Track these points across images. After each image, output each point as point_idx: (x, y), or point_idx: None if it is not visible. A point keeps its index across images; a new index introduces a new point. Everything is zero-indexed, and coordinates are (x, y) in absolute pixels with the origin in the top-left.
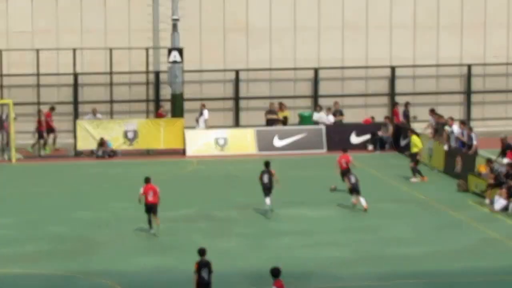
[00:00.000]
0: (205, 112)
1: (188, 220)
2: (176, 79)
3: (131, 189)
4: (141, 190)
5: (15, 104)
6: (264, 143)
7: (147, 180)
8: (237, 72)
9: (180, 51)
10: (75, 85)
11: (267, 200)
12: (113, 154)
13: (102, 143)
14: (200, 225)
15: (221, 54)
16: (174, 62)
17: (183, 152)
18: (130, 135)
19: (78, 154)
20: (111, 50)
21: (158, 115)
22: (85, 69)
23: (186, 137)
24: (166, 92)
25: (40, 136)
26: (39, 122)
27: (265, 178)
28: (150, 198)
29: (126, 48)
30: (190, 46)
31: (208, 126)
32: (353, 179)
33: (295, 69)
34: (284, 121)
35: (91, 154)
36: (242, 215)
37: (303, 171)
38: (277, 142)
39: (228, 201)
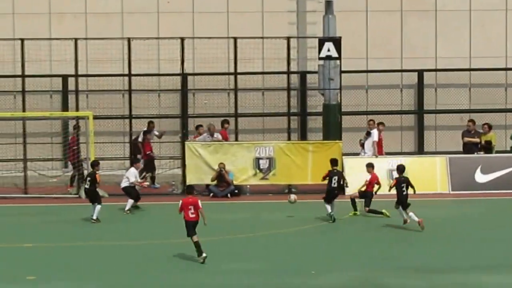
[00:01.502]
0: (374, 132)
1: None
2: (330, 83)
3: (285, 243)
4: (180, 204)
5: (98, 117)
6: (461, 178)
7: (189, 190)
8: (420, 73)
9: (337, 43)
10: (184, 91)
11: (328, 207)
12: (237, 192)
13: (220, 175)
14: None
15: (396, 47)
16: (328, 58)
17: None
18: (263, 164)
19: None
20: (235, 40)
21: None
22: (197, 68)
23: (345, 168)
24: (315, 101)
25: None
26: None
27: (334, 181)
28: (192, 214)
29: (257, 38)
30: (350, 36)
31: (378, 153)
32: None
33: (507, 69)
34: (488, 147)
35: (206, 191)
36: (426, 284)
37: None
38: (480, 177)
39: (405, 263)
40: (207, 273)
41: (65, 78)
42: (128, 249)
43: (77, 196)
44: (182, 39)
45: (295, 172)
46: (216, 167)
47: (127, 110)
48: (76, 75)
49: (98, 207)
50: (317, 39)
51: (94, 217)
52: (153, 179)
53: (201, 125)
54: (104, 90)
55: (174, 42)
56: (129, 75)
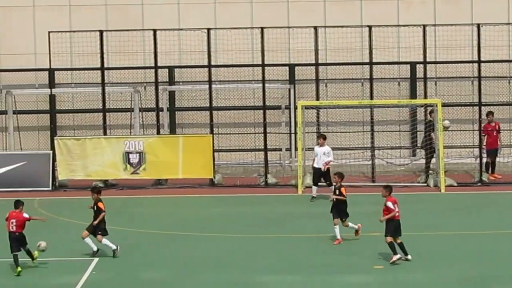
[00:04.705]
0: None
1: None
2: None
3: None
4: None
5: (447, 105)
6: None
7: (15, 205)
8: None
9: None
10: None
11: None
12: None
13: None
14: None
15: None
16: None
17: None
18: None
19: None
20: None
21: None
22: None
23: None
24: None
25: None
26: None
27: None
28: (12, 228)
29: None
30: None
31: None
32: None
33: None
34: None
35: None
36: None
37: None
38: None
39: None
40: None
41: (413, 65)
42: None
43: (425, 184)
44: None
45: None
46: None
47: (476, 97)
48: (425, 62)
49: None
50: None
51: None
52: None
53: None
54: (453, 77)
55: None
56: (479, 61)
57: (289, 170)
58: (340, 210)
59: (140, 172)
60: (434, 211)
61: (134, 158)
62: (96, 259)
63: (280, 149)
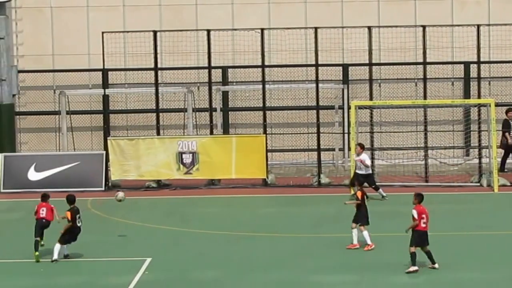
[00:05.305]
0: None
1: None
2: None
3: None
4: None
5: (500, 105)
6: None
7: (42, 199)
8: None
9: None
10: None
11: None
12: None
13: None
14: None
15: None
16: None
17: None
18: None
19: None
20: None
21: None
22: None
23: None
24: None
25: None
26: None
27: None
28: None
29: None
30: None
31: None
32: None
33: None
34: None
35: None
36: None
37: None
38: None
39: None
40: None
41: (467, 65)
42: None
43: (478, 184)
44: None
45: None
46: None
47: None
48: (479, 62)
49: None
50: None
51: None
52: None
53: None
54: (507, 77)
55: None
56: None
57: (342, 170)
58: (357, 215)
59: (193, 172)
60: (487, 211)
61: (187, 158)
62: (148, 259)
63: (334, 149)
